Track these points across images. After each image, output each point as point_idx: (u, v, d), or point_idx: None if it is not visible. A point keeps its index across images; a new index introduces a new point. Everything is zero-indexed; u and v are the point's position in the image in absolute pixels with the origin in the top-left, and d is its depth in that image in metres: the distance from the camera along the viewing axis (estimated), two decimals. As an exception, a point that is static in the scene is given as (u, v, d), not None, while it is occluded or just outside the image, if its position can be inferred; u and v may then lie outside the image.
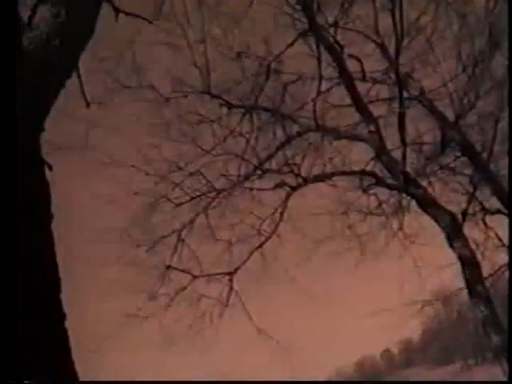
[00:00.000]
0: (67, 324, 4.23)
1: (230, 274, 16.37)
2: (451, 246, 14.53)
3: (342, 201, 16.77)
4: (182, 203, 16.08)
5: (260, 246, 16.32)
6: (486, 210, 16.54)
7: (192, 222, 16.14)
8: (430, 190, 15.85)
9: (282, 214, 16.22)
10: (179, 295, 16.20)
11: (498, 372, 14.37)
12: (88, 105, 7.20)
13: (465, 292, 15.08)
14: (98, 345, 16.28)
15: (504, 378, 13.69)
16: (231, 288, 16.34)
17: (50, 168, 4.62)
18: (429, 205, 15.03)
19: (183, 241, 16.10)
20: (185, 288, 16.22)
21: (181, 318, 16.39)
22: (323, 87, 15.34)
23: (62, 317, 4.11)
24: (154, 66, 15.43)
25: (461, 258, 14.39)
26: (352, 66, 15.47)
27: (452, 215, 14.76)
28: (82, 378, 4.11)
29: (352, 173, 16.26)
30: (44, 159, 4.48)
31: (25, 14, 4.61)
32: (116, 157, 15.57)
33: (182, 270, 16.27)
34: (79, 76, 6.57)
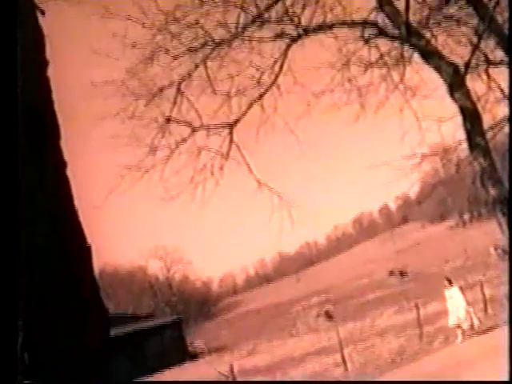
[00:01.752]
0: (69, 174, 4.28)
1: (230, 126, 16.40)
2: (453, 97, 14.47)
3: (343, 52, 16.48)
4: (181, 55, 15.83)
5: (260, 97, 16.25)
6: (489, 62, 16.29)
7: (191, 74, 15.98)
8: (433, 41, 15.59)
9: (281, 65, 16.01)
10: (179, 148, 16.33)
11: (492, 227, 14.73)
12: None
13: (464, 147, 15.17)
14: (99, 198, 16.58)
15: (498, 231, 14.05)
16: (231, 140, 16.44)
17: (43, 13, 4.52)
18: (431, 56, 14.85)
19: (182, 93, 16.02)
20: (185, 140, 16.31)
21: (181, 171, 16.62)
22: None
23: (63, 164, 4.15)
24: None
25: (462, 109, 14.39)
26: None
27: (454, 66, 14.61)
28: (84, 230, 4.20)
29: (353, 23, 15.89)
30: (35, 3, 4.38)
31: None
32: (111, 8, 15.20)
33: (182, 123, 16.29)
34: None
